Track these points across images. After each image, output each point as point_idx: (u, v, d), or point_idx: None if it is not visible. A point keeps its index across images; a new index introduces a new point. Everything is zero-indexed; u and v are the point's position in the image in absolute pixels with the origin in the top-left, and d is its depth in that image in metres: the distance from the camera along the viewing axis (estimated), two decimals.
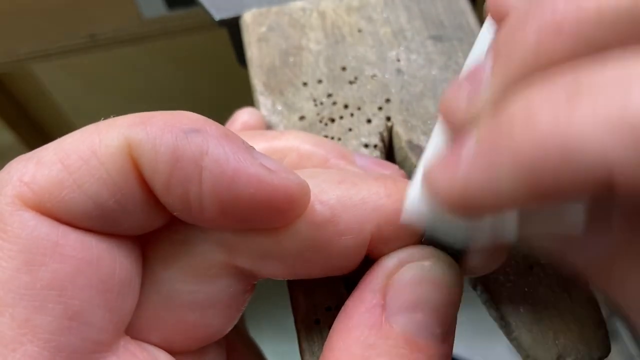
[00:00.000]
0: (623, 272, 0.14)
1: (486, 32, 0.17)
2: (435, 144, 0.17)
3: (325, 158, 0.20)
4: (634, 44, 0.12)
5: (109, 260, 0.15)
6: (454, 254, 0.17)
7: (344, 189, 0.16)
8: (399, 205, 0.17)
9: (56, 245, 0.14)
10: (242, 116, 0.23)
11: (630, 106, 0.11)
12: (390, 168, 0.21)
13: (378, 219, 0.16)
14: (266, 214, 0.15)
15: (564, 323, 0.19)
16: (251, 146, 0.16)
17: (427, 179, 0.15)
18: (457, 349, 0.17)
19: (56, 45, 0.43)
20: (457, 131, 0.15)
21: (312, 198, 0.16)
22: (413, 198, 0.16)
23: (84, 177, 0.14)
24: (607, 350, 0.19)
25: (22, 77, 0.48)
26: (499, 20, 0.16)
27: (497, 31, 0.15)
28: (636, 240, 0.14)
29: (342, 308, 0.17)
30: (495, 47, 0.14)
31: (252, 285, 0.18)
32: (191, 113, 0.16)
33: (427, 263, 0.16)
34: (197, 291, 0.16)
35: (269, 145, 0.20)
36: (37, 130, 0.53)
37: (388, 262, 0.17)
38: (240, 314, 0.18)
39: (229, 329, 0.18)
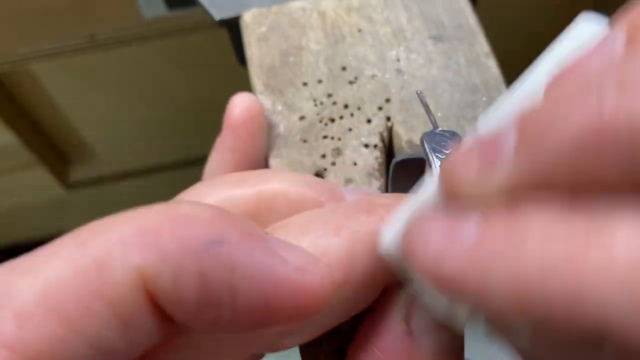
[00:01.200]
0: None
1: (538, 73, 0.15)
2: (428, 194, 0.15)
3: (317, 201, 0.18)
4: None
5: None
6: None
7: (345, 241, 0.16)
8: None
9: None
10: (239, 100, 0.23)
11: None
12: None
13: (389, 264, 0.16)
14: (299, 314, 0.14)
15: None
16: (266, 234, 0.14)
17: (408, 239, 0.14)
18: None
19: (56, 46, 0.43)
20: (453, 199, 0.14)
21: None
22: (392, 236, 0.15)
23: (90, 330, 0.12)
24: None
25: (22, 77, 0.48)
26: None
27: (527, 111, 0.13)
28: None
29: (364, 339, 0.17)
30: (523, 120, 0.13)
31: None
32: (197, 207, 0.14)
33: None
34: None
35: (256, 191, 0.18)
36: (37, 130, 0.53)
37: (407, 291, 0.17)
38: None
39: None
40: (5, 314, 0.12)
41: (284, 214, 0.17)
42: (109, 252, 0.12)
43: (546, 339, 0.13)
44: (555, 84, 0.13)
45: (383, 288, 0.17)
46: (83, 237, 0.13)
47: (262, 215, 0.17)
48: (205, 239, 0.13)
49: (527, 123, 0.13)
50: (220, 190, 0.17)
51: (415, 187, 0.16)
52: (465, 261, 0.12)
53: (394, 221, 0.15)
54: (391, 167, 0.20)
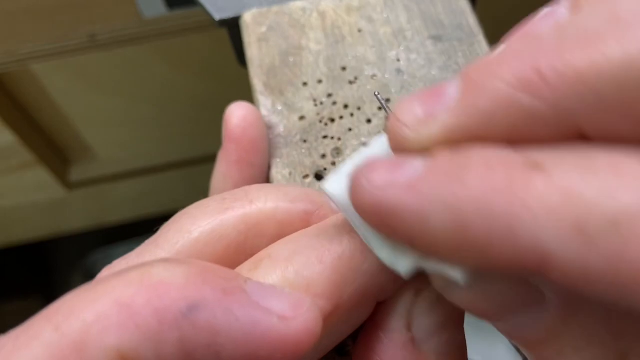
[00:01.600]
0: (556, 351, 0.14)
1: None
2: (377, 145, 0.16)
3: (306, 215, 0.18)
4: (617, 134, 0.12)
5: None
6: None
7: (329, 268, 0.15)
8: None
9: None
10: (236, 110, 0.23)
11: (579, 202, 0.11)
12: None
13: (376, 274, 0.16)
14: (287, 358, 0.14)
15: None
16: (246, 282, 0.14)
17: (354, 177, 0.14)
18: None
19: (56, 46, 0.43)
20: (398, 148, 0.14)
21: (308, 297, 0.15)
22: (337, 177, 0.16)
23: None
24: None
25: (22, 77, 0.48)
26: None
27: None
28: (571, 320, 0.13)
29: (367, 351, 0.17)
30: (468, 71, 0.14)
31: None
32: (167, 270, 0.13)
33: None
34: None
35: (242, 218, 0.17)
36: (36, 130, 0.53)
37: (405, 299, 0.16)
38: None
39: None
40: None
41: (273, 236, 0.17)
42: (86, 334, 0.12)
43: (484, 281, 0.14)
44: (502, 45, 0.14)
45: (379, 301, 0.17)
46: (59, 319, 0.12)
47: (251, 242, 0.17)
48: (182, 306, 0.12)
49: (470, 72, 0.13)
50: (203, 220, 0.17)
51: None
52: (407, 191, 0.12)
53: (342, 168, 0.16)
54: None
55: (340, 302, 0.15)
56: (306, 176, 0.23)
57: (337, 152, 0.23)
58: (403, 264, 0.15)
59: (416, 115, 0.14)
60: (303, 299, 0.14)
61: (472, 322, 0.18)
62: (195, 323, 0.12)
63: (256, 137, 0.23)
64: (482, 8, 0.29)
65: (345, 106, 0.24)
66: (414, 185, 0.12)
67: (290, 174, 0.23)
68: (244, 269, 0.16)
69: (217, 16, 0.28)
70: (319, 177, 0.23)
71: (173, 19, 0.42)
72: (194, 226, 0.17)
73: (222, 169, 0.23)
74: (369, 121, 0.24)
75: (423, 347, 0.16)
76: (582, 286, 0.11)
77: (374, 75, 0.25)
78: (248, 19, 0.27)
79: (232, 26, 0.28)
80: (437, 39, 0.26)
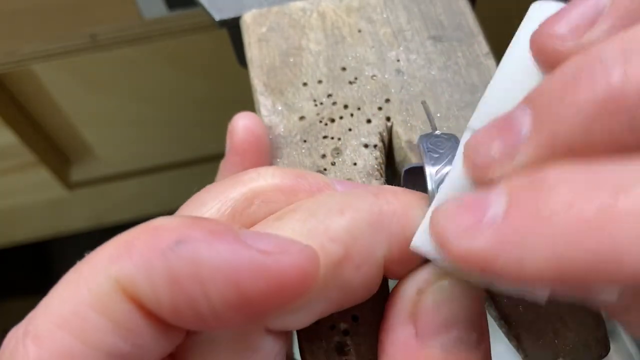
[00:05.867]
0: (634, 318, 0.14)
1: (515, 55, 0.16)
2: (452, 181, 0.16)
3: (310, 191, 0.18)
4: None
5: None
6: None
7: (348, 219, 0.16)
8: (406, 221, 0.16)
9: None
10: (242, 121, 0.23)
11: None
12: None
13: (389, 241, 0.16)
14: (284, 296, 0.14)
15: (563, 323, 0.19)
16: (240, 229, 0.15)
17: (436, 225, 0.14)
18: None
19: (57, 46, 0.43)
20: (478, 179, 0.15)
21: (322, 238, 0.15)
22: (423, 230, 0.16)
23: (92, 336, 0.14)
24: (606, 350, 0.19)
25: (23, 78, 0.48)
26: (541, 58, 0.15)
27: (539, 84, 0.14)
28: None
29: (379, 345, 0.17)
30: (535, 100, 0.14)
31: (285, 338, 0.17)
32: (167, 219, 0.15)
33: (445, 282, 0.16)
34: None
35: (249, 189, 0.18)
36: (37, 130, 0.53)
37: (408, 292, 0.17)
38: None
39: None
40: (29, 335, 0.14)
41: (277, 203, 0.18)
42: (95, 270, 0.14)
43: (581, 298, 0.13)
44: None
45: (389, 293, 0.17)
46: (82, 262, 0.15)
47: (255, 207, 0.18)
48: (170, 241, 0.14)
49: (538, 101, 0.14)
50: (217, 195, 0.18)
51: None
52: (495, 239, 0.12)
53: (425, 219, 0.16)
54: (402, 176, 0.20)
55: (351, 252, 0.16)
56: None
57: (337, 152, 0.23)
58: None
59: (496, 155, 0.14)
60: (295, 242, 0.15)
61: None
62: (181, 254, 0.14)
63: (261, 149, 0.23)
64: (481, 8, 0.29)
65: (345, 106, 0.24)
66: (499, 233, 0.12)
67: None
68: (269, 220, 0.17)
69: (217, 17, 0.28)
70: None
71: (173, 19, 0.42)
72: (207, 201, 0.18)
73: None
74: (368, 121, 0.24)
75: (427, 344, 0.16)
76: None
77: (373, 76, 0.25)
78: (248, 19, 0.27)
79: (232, 26, 0.28)
80: (436, 39, 0.26)
